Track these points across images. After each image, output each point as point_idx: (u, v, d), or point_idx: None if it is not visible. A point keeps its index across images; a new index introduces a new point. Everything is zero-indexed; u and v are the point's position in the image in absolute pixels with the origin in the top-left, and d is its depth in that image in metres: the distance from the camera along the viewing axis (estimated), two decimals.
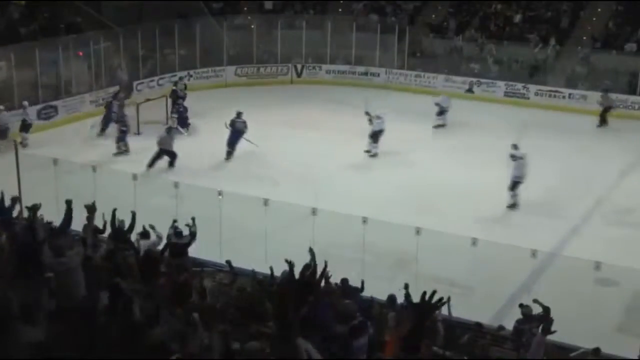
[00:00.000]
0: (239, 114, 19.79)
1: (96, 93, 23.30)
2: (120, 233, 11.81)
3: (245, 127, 19.58)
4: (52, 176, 14.51)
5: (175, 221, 11.96)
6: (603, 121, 23.27)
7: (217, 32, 27.35)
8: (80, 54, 23.53)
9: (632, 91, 24.98)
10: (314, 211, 12.49)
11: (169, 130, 19.39)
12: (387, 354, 7.91)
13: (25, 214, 10.98)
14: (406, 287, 10.02)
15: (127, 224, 12.04)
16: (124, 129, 19.76)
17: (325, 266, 9.94)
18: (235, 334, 7.18)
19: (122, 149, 19.58)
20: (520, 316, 9.90)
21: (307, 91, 26.16)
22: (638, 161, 19.92)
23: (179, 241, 11.79)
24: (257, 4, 30.11)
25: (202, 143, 20.69)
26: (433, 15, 29.70)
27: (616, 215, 16.48)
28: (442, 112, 22.75)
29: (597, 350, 8.90)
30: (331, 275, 9.55)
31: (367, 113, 19.67)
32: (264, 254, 11.97)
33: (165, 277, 9.69)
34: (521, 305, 10.01)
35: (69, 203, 10.02)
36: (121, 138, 19.70)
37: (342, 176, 18.07)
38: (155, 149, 18.35)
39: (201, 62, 26.97)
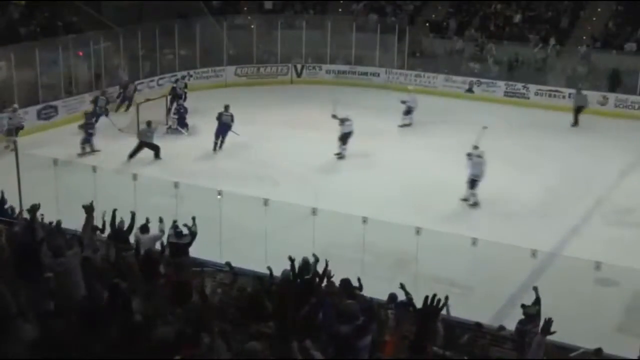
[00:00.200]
0: (226, 108, 20.40)
1: (96, 93, 23.30)
2: (120, 233, 11.86)
3: (232, 120, 20.26)
4: (52, 176, 14.51)
5: (175, 222, 11.97)
6: (576, 121, 23.13)
7: (217, 32, 27.36)
8: (80, 54, 23.53)
9: (612, 89, 25.09)
10: (314, 211, 12.48)
11: (149, 123, 19.77)
12: (387, 354, 7.90)
13: (26, 214, 11.00)
14: (402, 286, 10.04)
15: (127, 224, 12.11)
16: (90, 131, 19.50)
17: (327, 266, 9.96)
18: (235, 334, 7.17)
19: (86, 151, 19.27)
20: (521, 317, 9.89)
21: (307, 91, 26.16)
22: (638, 161, 19.92)
23: (179, 241, 11.80)
24: (257, 4, 30.11)
25: (202, 143, 20.71)
26: (433, 15, 29.72)
27: (616, 215, 16.48)
28: (409, 111, 22.54)
29: (599, 351, 8.89)
30: (333, 275, 9.56)
31: (334, 116, 19.44)
32: (264, 254, 11.96)
33: (165, 277, 9.70)
34: (523, 306, 10.00)
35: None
36: (86, 140, 19.42)
37: (342, 176, 18.07)
38: None
39: (201, 62, 26.98)
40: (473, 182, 16.45)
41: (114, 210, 11.82)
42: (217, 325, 7.14)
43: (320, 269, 9.85)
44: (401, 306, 9.81)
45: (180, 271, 9.84)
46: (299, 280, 9.85)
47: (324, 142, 20.26)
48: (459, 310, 10.37)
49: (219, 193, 13.24)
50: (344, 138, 19.50)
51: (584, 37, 27.05)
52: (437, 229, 12.53)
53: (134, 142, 19.51)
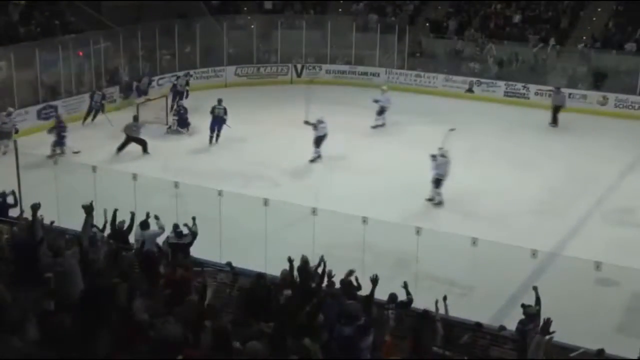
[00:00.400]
0: (219, 101, 20.79)
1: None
2: (120, 233, 11.86)
3: (225, 113, 20.65)
4: (52, 176, 14.51)
5: (175, 225, 11.98)
6: (554, 121, 23.07)
7: (217, 32, 27.34)
8: (80, 54, 23.51)
9: (594, 87, 25.15)
10: (314, 211, 12.47)
11: (136, 118, 20.01)
12: (387, 354, 7.90)
13: (26, 214, 11.01)
14: (405, 286, 10.05)
15: (126, 225, 12.11)
16: (63, 134, 19.12)
17: (324, 265, 9.96)
18: (236, 334, 7.17)
19: (57, 153, 18.71)
20: (521, 317, 9.88)
21: (307, 91, 26.10)
22: (638, 161, 19.93)
23: (180, 241, 11.81)
24: (257, 4, 30.12)
25: (203, 143, 20.71)
26: (433, 15, 29.73)
27: (616, 215, 16.47)
28: (382, 111, 22.26)
29: (601, 351, 8.88)
30: (334, 275, 9.56)
31: (306, 122, 19.21)
32: (264, 254, 11.96)
33: (165, 277, 9.70)
34: (523, 306, 10.00)
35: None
36: (58, 143, 18.93)
37: (342, 176, 18.04)
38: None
39: (201, 62, 26.97)
40: (438, 182, 16.48)
41: (115, 210, 11.82)
42: (216, 323, 7.14)
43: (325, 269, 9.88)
44: (401, 306, 9.81)
45: (179, 267, 9.84)
46: (299, 280, 9.88)
47: (324, 141, 20.28)
48: (459, 310, 10.37)
49: (219, 193, 13.23)
50: (318, 141, 19.22)
51: (584, 37, 27.05)
52: (436, 229, 12.53)
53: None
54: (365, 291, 9.47)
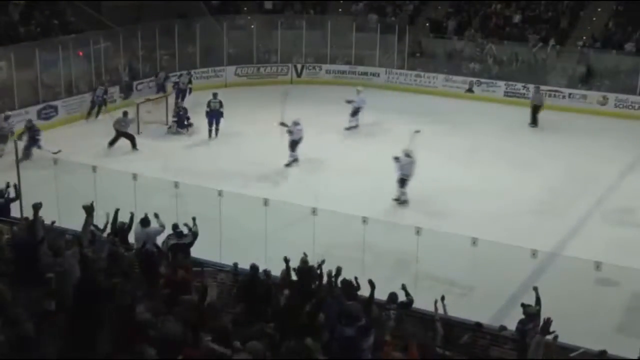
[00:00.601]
0: (214, 95, 21.27)
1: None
2: (120, 233, 11.84)
3: (221, 106, 21.01)
4: (52, 176, 14.51)
5: (175, 225, 11.97)
6: (534, 121, 22.99)
7: (217, 32, 27.34)
8: (80, 54, 23.51)
9: (583, 84, 25.18)
10: (314, 211, 12.47)
11: (125, 113, 20.18)
12: (387, 354, 7.89)
13: (26, 213, 11.01)
14: (404, 287, 10.05)
15: (126, 225, 12.09)
16: (38, 137, 18.77)
17: (321, 264, 9.95)
18: (236, 334, 7.18)
19: (27, 156, 18.03)
20: (522, 317, 9.88)
21: (307, 91, 26.14)
22: (638, 161, 19.93)
23: (180, 241, 11.79)
24: (257, 4, 30.11)
25: (203, 143, 20.72)
26: (433, 15, 29.72)
27: (616, 215, 16.47)
28: (356, 112, 21.97)
29: (603, 352, 8.87)
30: (334, 275, 9.53)
31: (282, 124, 18.94)
32: (264, 254, 11.96)
33: (165, 277, 9.71)
34: (523, 305, 10.00)
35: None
36: (30, 146, 18.41)
37: (342, 176, 18.04)
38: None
39: (201, 62, 26.97)
40: (402, 181, 16.51)
41: (117, 210, 11.80)
42: (217, 323, 7.15)
43: (322, 269, 9.88)
44: (402, 307, 9.81)
45: (179, 267, 9.85)
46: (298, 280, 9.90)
47: (324, 142, 20.31)
48: (459, 310, 10.38)
49: (220, 193, 13.23)
50: (294, 145, 18.85)
51: (584, 37, 27.04)
52: (437, 229, 12.53)
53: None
54: (364, 292, 9.47)
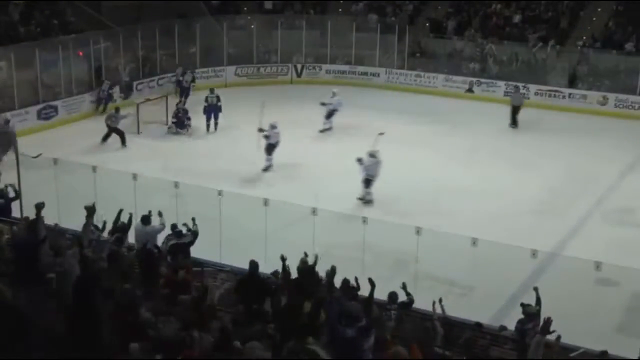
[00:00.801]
0: (211, 90, 21.77)
1: (96, 93, 23.33)
2: (120, 231, 11.83)
3: (218, 100, 21.40)
4: (52, 176, 14.51)
5: (174, 225, 11.97)
6: (514, 122, 22.93)
7: (217, 32, 27.34)
8: (80, 53, 23.51)
9: (571, 84, 25.22)
10: (314, 211, 12.48)
11: (117, 109, 20.50)
12: (386, 354, 7.89)
13: (26, 213, 11.01)
14: (404, 287, 10.04)
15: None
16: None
17: (315, 263, 9.95)
18: (236, 334, 7.18)
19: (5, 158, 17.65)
20: (521, 316, 9.88)
21: (307, 91, 26.15)
22: (638, 161, 19.94)
23: (180, 241, 11.79)
24: (257, 4, 30.11)
25: (203, 143, 20.73)
26: (433, 15, 29.73)
27: (616, 215, 16.48)
28: (330, 114, 21.68)
29: (604, 353, 8.87)
30: (330, 274, 9.53)
31: (260, 130, 18.62)
32: (264, 254, 11.95)
33: (164, 277, 9.72)
34: (522, 305, 10.00)
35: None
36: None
37: (342, 176, 18.04)
38: None
39: (201, 62, 26.97)
40: (367, 182, 16.52)
41: (120, 210, 11.77)
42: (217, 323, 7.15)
43: (321, 269, 9.87)
44: (402, 307, 9.81)
45: (179, 267, 9.85)
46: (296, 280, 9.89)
47: (324, 141, 20.32)
48: (459, 310, 10.37)
49: (220, 193, 13.24)
50: (270, 149, 18.54)
51: (584, 37, 27.05)
52: (437, 229, 12.53)
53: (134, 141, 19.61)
54: (364, 292, 9.46)
